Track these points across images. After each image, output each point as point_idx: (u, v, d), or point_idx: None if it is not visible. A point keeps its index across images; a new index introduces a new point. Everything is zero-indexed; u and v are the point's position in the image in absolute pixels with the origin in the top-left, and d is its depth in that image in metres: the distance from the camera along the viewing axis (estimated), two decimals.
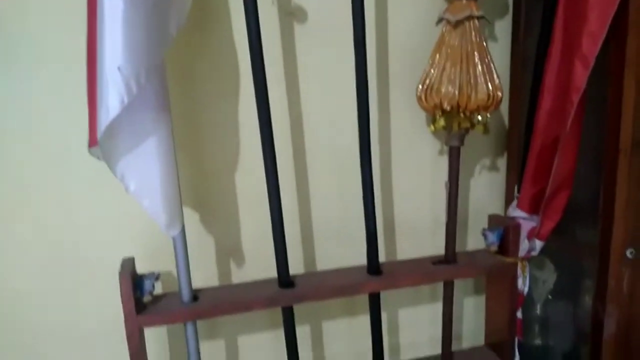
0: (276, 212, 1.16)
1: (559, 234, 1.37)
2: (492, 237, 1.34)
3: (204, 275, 1.31)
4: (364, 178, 1.21)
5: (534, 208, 1.27)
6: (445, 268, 1.30)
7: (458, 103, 1.17)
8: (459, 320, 1.61)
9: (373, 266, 1.27)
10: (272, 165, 1.13)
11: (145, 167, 0.99)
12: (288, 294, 1.19)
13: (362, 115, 1.17)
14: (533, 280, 1.51)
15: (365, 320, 1.31)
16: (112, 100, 0.88)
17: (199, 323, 1.32)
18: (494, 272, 1.35)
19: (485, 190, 1.52)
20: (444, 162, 1.38)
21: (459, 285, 1.55)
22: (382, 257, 1.45)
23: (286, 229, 1.20)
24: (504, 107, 1.46)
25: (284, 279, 1.21)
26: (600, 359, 1.22)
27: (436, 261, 1.34)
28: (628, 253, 1.16)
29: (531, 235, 1.28)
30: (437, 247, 1.35)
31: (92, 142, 1.00)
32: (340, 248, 1.40)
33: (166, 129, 1.02)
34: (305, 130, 1.34)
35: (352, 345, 1.49)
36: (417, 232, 1.48)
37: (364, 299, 1.29)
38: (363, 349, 1.34)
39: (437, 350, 1.43)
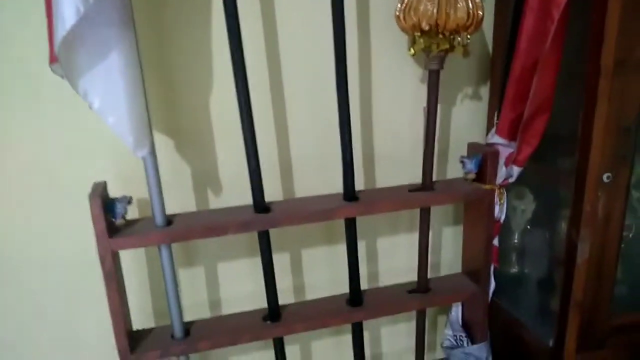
0: (250, 139, 1.14)
1: (539, 163, 1.36)
2: (470, 165, 1.33)
3: (180, 203, 1.30)
4: (341, 104, 1.18)
5: (513, 134, 1.25)
6: (421, 195, 1.30)
7: (437, 22, 1.12)
8: (438, 249, 1.63)
9: (349, 192, 1.26)
10: (245, 94, 1.11)
11: (110, 84, 0.95)
12: (262, 219, 1.19)
13: (338, 40, 1.13)
14: (512, 210, 1.52)
15: (344, 249, 1.32)
16: (68, 9, 0.84)
17: (177, 250, 1.34)
18: (471, 199, 1.35)
19: (467, 118, 1.50)
20: (425, 89, 1.35)
21: (438, 214, 1.56)
22: (361, 186, 1.46)
23: (264, 158, 1.19)
24: (488, 32, 1.41)
25: (259, 204, 1.21)
26: (572, 284, 1.23)
27: (413, 188, 1.33)
28: (605, 177, 1.16)
29: (508, 162, 1.26)
30: (417, 175, 1.34)
31: (52, 58, 0.97)
32: (319, 177, 1.39)
33: (130, 46, 0.98)
34: (282, 59, 1.29)
35: (331, 272, 1.51)
36: (397, 161, 1.47)
37: (343, 227, 1.29)
38: (341, 277, 1.36)
39: (415, 277, 1.45)
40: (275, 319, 1.28)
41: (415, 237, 1.46)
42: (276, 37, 1.28)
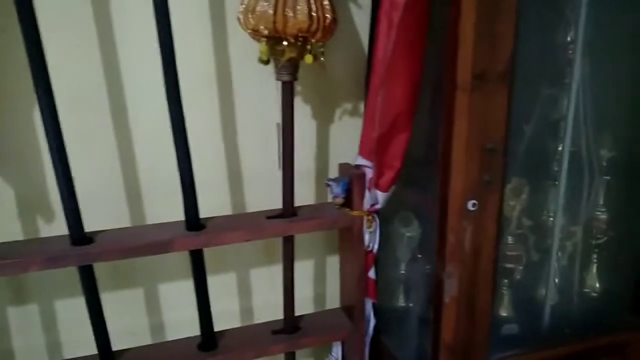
0: (58, 161, 0.96)
1: (420, 186, 1.23)
2: (336, 189, 1.18)
3: (4, 231, 1.11)
4: (174, 122, 1.02)
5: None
6: (278, 222, 1.14)
7: (275, 26, 0.98)
8: (322, 279, 1.47)
9: (191, 221, 1.09)
10: (52, 120, 0.93)
11: None
12: (78, 252, 1.00)
13: (164, 42, 0.97)
14: (399, 237, 1.38)
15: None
16: None
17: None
18: (338, 226, 1.20)
19: (346, 137, 1.35)
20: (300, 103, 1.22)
21: (320, 241, 1.41)
22: (228, 210, 1.29)
23: (105, 181, 1.08)
24: (366, 43, 1.27)
25: (77, 234, 1.02)
26: (440, 323, 1.09)
27: (272, 215, 1.17)
28: (470, 205, 1.02)
29: (371, 186, 1.12)
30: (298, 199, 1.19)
31: None
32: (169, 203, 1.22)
33: None
34: (123, 71, 1.13)
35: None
36: (266, 183, 1.30)
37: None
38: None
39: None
40: None
41: (298, 265, 1.31)
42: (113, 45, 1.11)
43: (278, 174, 1.15)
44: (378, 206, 1.15)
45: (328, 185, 1.20)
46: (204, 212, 1.11)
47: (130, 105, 1.16)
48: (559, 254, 1.29)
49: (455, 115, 0.97)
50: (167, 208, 1.15)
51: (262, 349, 1.20)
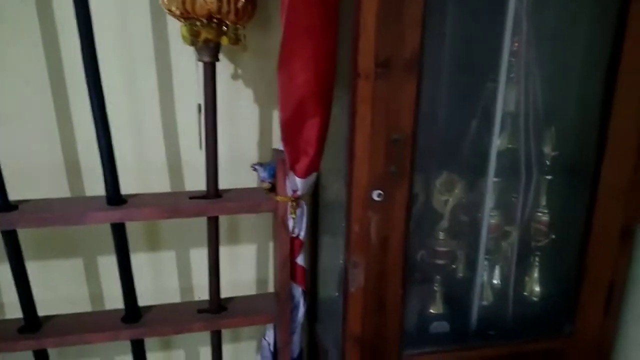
0: None
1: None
2: (263, 173, 1.19)
3: None
4: (92, 96, 1.05)
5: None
6: (197, 202, 1.15)
7: (185, 6, 0.99)
8: (264, 264, 1.48)
9: (112, 196, 1.13)
10: None
11: None
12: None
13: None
14: (337, 227, 1.36)
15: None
16: None
17: None
18: (263, 211, 1.20)
19: None
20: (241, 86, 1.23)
21: (263, 228, 1.42)
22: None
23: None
24: None
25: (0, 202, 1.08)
26: (347, 314, 1.08)
27: (195, 195, 1.19)
28: (375, 195, 1.00)
29: (287, 172, 1.11)
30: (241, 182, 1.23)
31: None
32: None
33: None
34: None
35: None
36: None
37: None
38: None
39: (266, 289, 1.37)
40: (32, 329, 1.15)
41: (244, 249, 1.33)
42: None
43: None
44: (300, 193, 1.14)
45: (254, 169, 1.20)
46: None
47: (70, 85, 1.19)
48: (495, 255, 1.25)
49: (357, 104, 0.95)
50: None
51: (183, 325, 1.22)
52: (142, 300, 1.25)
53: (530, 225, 1.23)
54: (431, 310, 1.27)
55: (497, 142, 1.13)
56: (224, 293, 1.30)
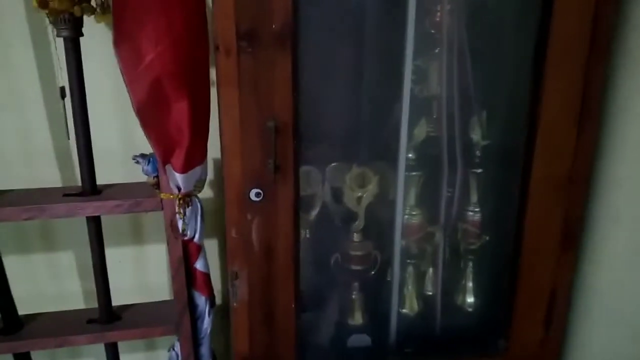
0: None
1: None
2: (146, 166, 1.03)
3: None
4: None
5: None
6: (73, 201, 1.00)
7: None
8: None
9: None
10: None
11: None
12: None
13: None
14: None
15: None
16: None
17: None
18: (144, 210, 1.04)
19: None
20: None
21: None
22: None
23: None
24: None
25: None
26: (233, 331, 0.93)
27: (70, 192, 1.04)
28: (253, 195, 0.84)
29: (161, 165, 0.96)
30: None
31: None
32: None
33: None
34: None
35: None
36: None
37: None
38: None
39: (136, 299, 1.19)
40: None
41: (153, 249, 1.20)
42: None
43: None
44: (184, 190, 0.99)
45: (137, 161, 1.04)
46: None
47: None
48: (419, 259, 1.09)
49: (220, 84, 0.79)
50: None
51: (65, 339, 1.08)
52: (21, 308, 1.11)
53: (459, 226, 1.06)
54: (350, 322, 1.11)
55: (406, 129, 0.95)
56: (132, 298, 1.16)
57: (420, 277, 1.10)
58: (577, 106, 0.89)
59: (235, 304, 0.91)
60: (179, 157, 0.92)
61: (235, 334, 0.93)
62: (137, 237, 1.29)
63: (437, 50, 0.99)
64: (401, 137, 0.96)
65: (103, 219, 1.08)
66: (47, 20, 0.92)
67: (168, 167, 0.96)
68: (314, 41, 0.85)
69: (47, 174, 1.17)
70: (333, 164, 1.01)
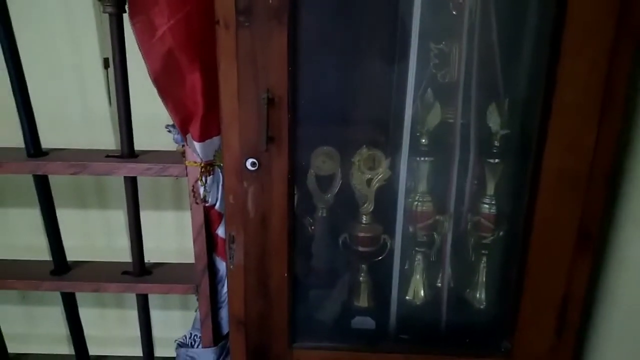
0: None
1: None
2: (177, 135, 1.12)
3: None
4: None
5: None
6: (113, 162, 1.12)
7: None
8: None
9: (31, 148, 1.14)
10: None
11: None
12: None
13: None
14: None
15: None
16: None
17: None
18: (170, 175, 1.14)
19: None
20: None
21: None
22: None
23: None
24: None
25: None
26: (230, 294, 0.99)
27: (112, 154, 1.16)
28: (249, 164, 0.89)
29: (183, 133, 1.04)
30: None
31: None
32: None
33: None
34: None
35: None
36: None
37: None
38: None
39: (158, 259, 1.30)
40: None
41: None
42: None
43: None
44: (204, 158, 1.06)
45: (169, 130, 1.14)
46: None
47: None
48: (429, 248, 1.06)
49: (219, 57, 0.84)
50: None
51: (100, 285, 1.22)
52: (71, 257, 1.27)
53: (471, 218, 1.02)
54: (356, 303, 1.12)
55: (410, 112, 0.94)
56: (172, 257, 1.27)
57: (429, 267, 1.08)
58: (599, 94, 0.82)
59: (232, 267, 0.96)
60: (195, 126, 1.00)
61: (230, 297, 0.98)
62: (178, 202, 1.39)
63: (456, 34, 0.96)
64: (405, 121, 0.94)
65: (150, 184, 1.19)
66: None
67: (188, 136, 1.04)
68: (311, 16, 0.86)
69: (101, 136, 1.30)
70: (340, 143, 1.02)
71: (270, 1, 0.80)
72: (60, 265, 1.24)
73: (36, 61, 1.16)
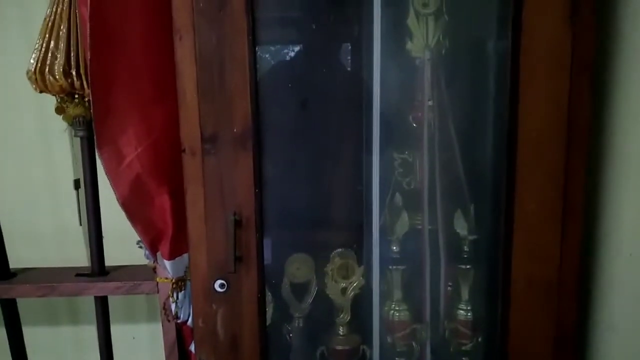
0: None
1: None
2: (146, 251, 1.11)
3: None
4: None
5: None
6: (79, 281, 1.10)
7: (38, 84, 0.98)
8: None
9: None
10: None
11: None
12: None
13: None
14: None
15: None
16: None
17: None
18: (142, 292, 1.12)
19: None
20: None
21: None
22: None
23: None
24: None
25: None
26: None
27: (82, 273, 1.14)
28: (217, 286, 0.88)
29: (151, 251, 1.03)
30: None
31: None
32: None
33: None
34: None
35: None
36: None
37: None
38: None
39: None
40: None
41: (141, 329, 1.26)
42: None
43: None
44: (174, 275, 1.05)
45: (140, 246, 1.13)
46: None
47: None
48: (408, 358, 1.03)
49: (186, 182, 0.85)
50: None
51: None
52: None
53: (447, 325, 1.01)
54: None
55: (377, 222, 0.95)
56: None
57: None
58: (558, 203, 0.84)
59: None
60: (165, 245, 0.99)
61: None
62: (153, 315, 1.35)
63: (418, 144, 1.00)
64: (373, 231, 0.95)
65: (124, 297, 1.16)
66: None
67: (158, 254, 1.03)
68: (275, 138, 0.89)
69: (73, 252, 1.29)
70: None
71: (235, 130, 0.83)
72: None
73: (10, 179, 1.18)
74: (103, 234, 1.15)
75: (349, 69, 1.05)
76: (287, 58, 1.04)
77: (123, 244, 1.16)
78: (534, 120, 0.83)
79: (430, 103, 0.97)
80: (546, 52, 0.82)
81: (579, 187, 0.84)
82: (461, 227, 0.98)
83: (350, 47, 1.04)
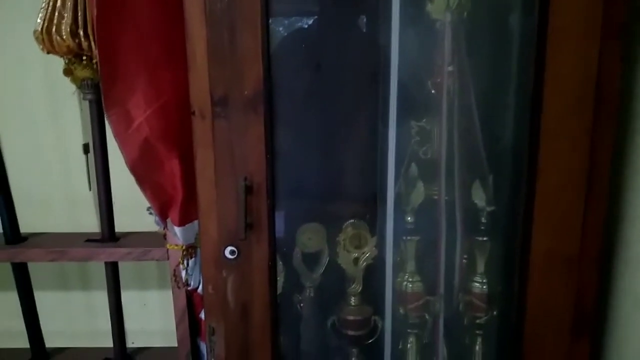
0: None
1: None
2: (157, 217, 1.10)
3: None
4: None
5: None
6: (93, 247, 1.10)
7: (45, 45, 0.95)
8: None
9: (10, 233, 1.12)
10: None
11: None
12: None
13: None
14: None
15: None
16: None
17: None
18: (152, 258, 1.11)
19: None
20: None
21: None
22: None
23: None
24: None
25: None
26: None
27: (92, 239, 1.14)
28: (228, 253, 0.86)
29: (161, 217, 1.01)
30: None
31: None
32: None
33: None
34: None
35: None
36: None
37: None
38: None
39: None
40: None
41: (151, 296, 1.26)
42: None
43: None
44: (184, 242, 1.04)
45: (150, 213, 1.11)
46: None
47: None
48: (420, 329, 1.02)
49: (196, 146, 0.83)
50: None
51: None
52: (52, 342, 1.22)
53: (462, 297, 0.98)
54: None
55: (392, 192, 0.92)
56: (156, 341, 1.22)
57: (423, 349, 1.03)
58: (582, 174, 0.81)
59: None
60: (175, 211, 0.97)
61: None
62: (163, 282, 1.35)
63: (437, 112, 0.96)
64: (388, 200, 0.92)
65: (134, 263, 1.16)
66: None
67: (168, 220, 1.02)
68: (287, 103, 0.86)
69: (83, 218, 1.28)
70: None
71: (246, 92, 0.80)
72: (38, 354, 1.19)
73: (20, 145, 1.17)
74: (113, 201, 1.14)
75: (364, 30, 1.01)
76: (303, 22, 1.00)
77: (133, 211, 1.15)
78: (561, 86, 0.79)
79: (450, 68, 0.92)
80: (576, 15, 0.76)
81: (606, 158, 0.80)
82: (479, 198, 0.95)
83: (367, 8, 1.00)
